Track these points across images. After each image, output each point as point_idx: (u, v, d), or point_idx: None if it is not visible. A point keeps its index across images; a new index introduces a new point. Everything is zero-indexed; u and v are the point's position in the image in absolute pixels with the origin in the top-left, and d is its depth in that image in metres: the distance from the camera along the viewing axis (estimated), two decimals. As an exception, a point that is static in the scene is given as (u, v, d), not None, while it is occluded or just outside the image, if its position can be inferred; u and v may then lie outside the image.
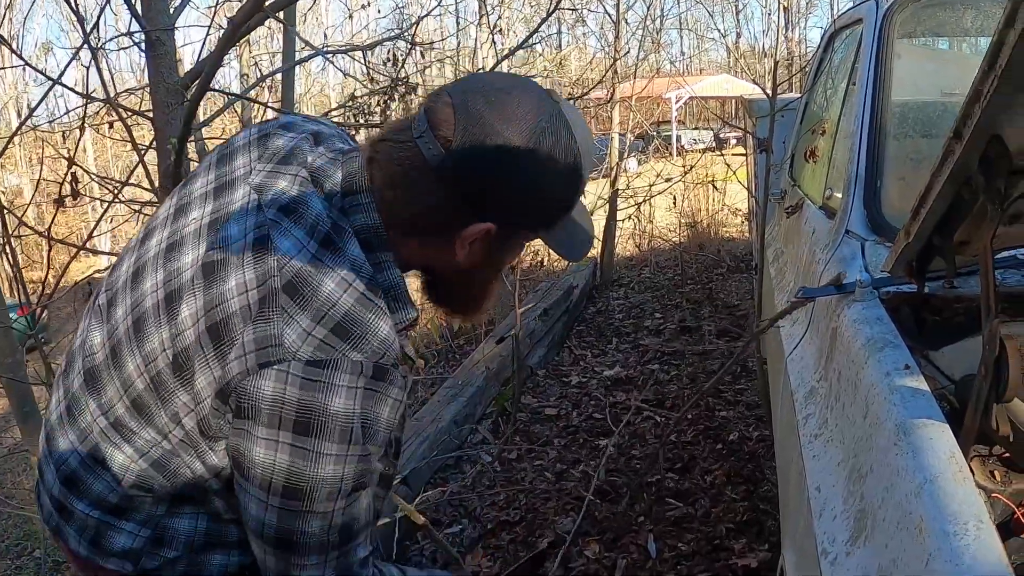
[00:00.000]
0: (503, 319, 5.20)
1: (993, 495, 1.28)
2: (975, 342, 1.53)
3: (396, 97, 4.81)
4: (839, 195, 2.06)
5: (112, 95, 2.32)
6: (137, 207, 3.47)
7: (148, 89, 2.18)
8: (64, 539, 1.20)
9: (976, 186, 1.14)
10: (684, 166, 7.72)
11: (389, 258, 1.09)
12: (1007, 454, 1.30)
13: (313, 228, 1.05)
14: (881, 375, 1.25)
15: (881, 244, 1.69)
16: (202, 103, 2.31)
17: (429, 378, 4.81)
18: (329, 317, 1.00)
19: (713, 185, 6.97)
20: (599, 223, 6.40)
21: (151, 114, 2.14)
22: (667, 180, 7.08)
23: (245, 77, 3.91)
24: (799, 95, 3.84)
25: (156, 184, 2.09)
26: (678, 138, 19.86)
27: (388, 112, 4.98)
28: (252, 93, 3.61)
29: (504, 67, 4.93)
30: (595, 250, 7.05)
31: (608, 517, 2.97)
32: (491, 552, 3.00)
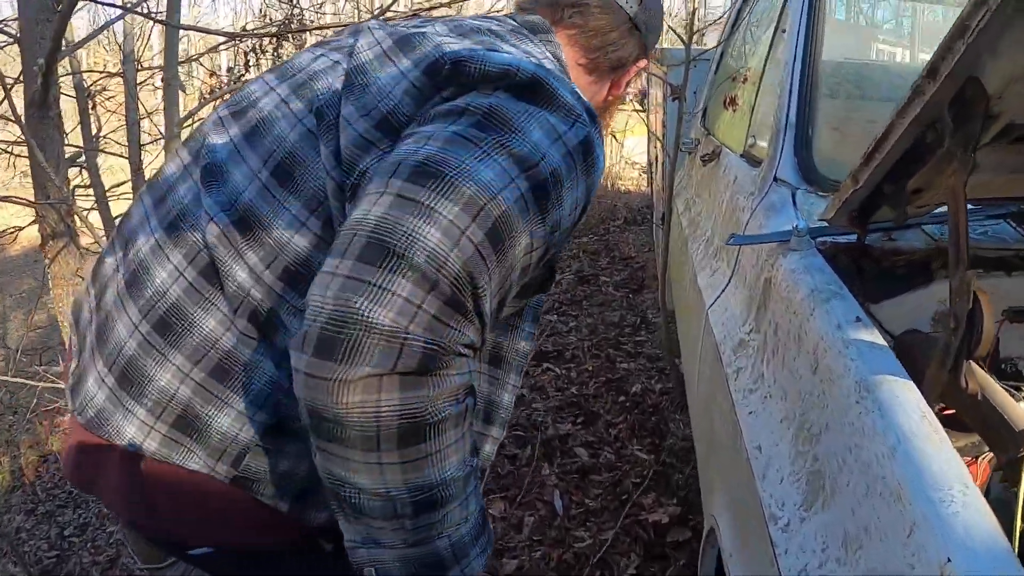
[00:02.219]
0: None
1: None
2: (913, 297, 1.51)
3: (289, 36, 4.55)
4: (763, 143, 2.00)
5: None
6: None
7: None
8: (113, 430, 0.99)
9: (942, 130, 1.07)
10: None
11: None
12: (947, 411, 1.27)
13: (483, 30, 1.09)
14: (831, 327, 1.19)
15: (813, 193, 1.64)
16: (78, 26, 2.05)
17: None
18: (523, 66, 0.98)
19: (614, 136, 6.95)
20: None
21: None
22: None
23: (127, 3, 3.56)
24: (701, 48, 3.80)
25: (22, 116, 1.83)
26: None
27: (279, 51, 4.69)
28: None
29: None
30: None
31: (511, 473, 2.90)
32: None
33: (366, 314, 0.76)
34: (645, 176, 7.62)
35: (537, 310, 1.20)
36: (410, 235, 0.79)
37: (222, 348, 0.96)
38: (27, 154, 1.91)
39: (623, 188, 8.28)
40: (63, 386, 1.22)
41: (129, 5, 2.03)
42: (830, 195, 1.63)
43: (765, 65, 2.10)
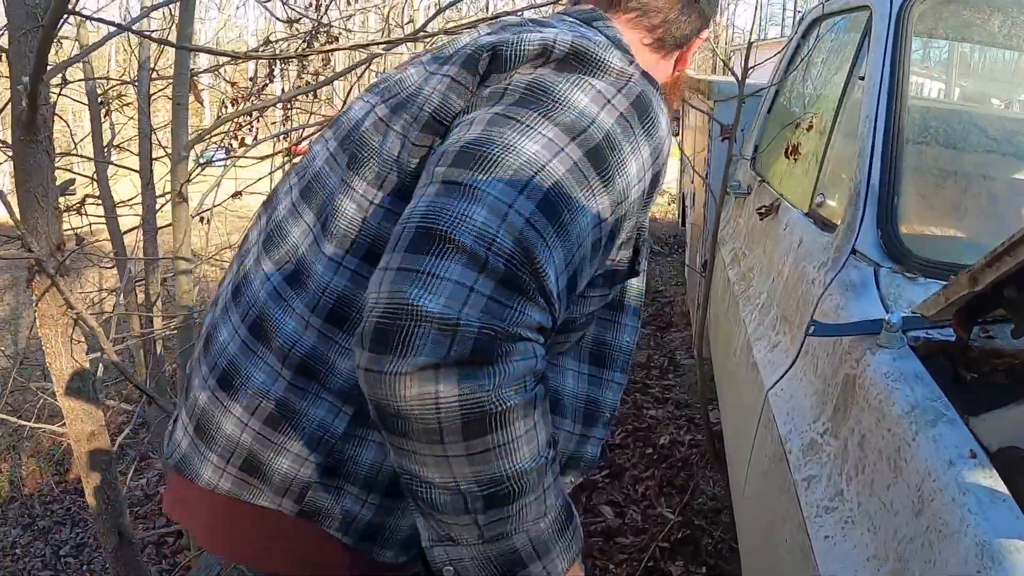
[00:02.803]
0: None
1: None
2: (1016, 410, 1.31)
3: (315, 45, 4.39)
4: (833, 203, 1.80)
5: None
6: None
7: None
8: (194, 472, 1.07)
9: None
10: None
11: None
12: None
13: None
14: (942, 464, 0.99)
15: (899, 273, 1.44)
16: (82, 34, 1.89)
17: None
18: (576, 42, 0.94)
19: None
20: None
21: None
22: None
23: (143, 9, 3.38)
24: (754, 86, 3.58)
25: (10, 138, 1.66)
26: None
27: (306, 62, 4.51)
28: (142, 27, 3.13)
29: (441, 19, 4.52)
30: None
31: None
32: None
33: (416, 302, 0.74)
34: (673, 205, 7.43)
35: (639, 304, 1.22)
36: (456, 217, 0.77)
37: (273, 398, 1.02)
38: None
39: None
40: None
41: (127, 21, 1.84)
42: (918, 277, 1.43)
43: (837, 114, 1.89)
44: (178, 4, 2.15)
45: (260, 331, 1.03)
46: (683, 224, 5.53)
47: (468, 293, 0.75)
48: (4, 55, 1.67)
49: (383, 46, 2.94)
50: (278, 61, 4.44)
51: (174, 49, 2.77)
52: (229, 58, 3.06)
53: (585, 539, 2.59)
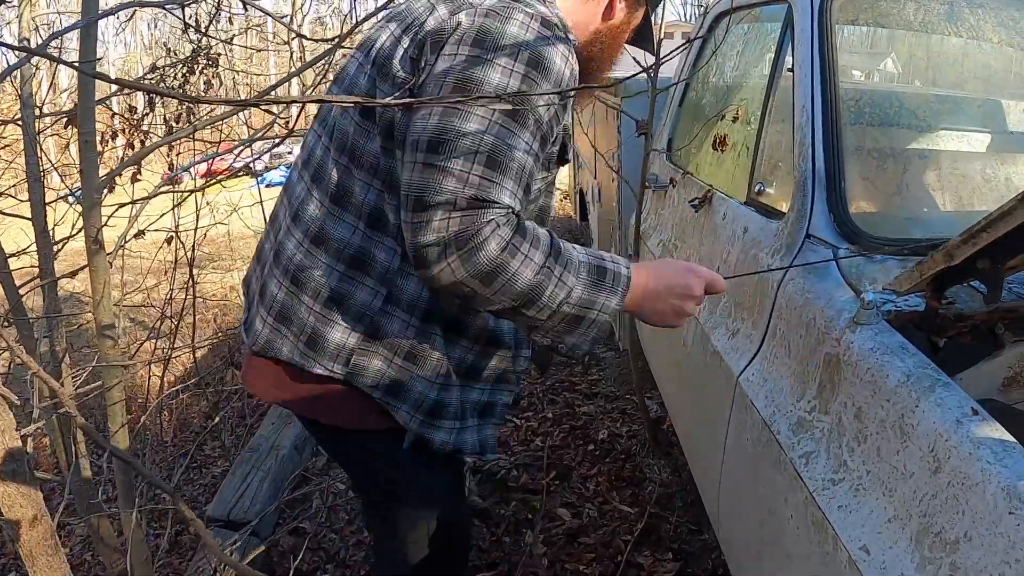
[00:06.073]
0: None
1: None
2: (986, 365, 1.42)
3: (196, 70, 4.25)
4: (772, 191, 1.90)
5: None
6: None
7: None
8: (276, 351, 1.43)
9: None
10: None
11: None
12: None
13: None
14: (950, 424, 1.07)
15: (857, 253, 1.53)
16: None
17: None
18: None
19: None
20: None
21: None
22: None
23: (25, 42, 3.15)
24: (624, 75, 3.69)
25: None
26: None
27: (187, 86, 4.35)
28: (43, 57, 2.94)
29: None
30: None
31: (495, 544, 2.70)
32: (365, 598, 2.64)
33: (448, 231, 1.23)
34: (567, 201, 7.55)
35: None
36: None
37: (329, 286, 1.39)
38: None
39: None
40: None
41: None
42: (875, 256, 1.52)
43: (766, 105, 1.98)
44: (78, 32, 1.99)
45: (319, 240, 1.39)
46: (582, 220, 5.62)
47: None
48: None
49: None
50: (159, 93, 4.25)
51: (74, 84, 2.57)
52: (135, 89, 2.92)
53: (549, 544, 2.63)
